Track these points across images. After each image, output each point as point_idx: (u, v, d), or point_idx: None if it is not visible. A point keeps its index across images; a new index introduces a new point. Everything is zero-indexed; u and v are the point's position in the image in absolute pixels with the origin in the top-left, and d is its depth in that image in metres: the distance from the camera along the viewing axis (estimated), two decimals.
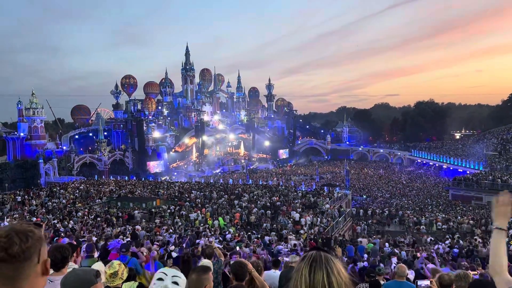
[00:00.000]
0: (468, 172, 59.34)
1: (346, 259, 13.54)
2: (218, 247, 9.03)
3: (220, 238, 17.94)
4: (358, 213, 40.13)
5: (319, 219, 25.32)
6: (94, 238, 16.49)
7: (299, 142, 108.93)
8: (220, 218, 24.68)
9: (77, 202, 31.61)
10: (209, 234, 19.20)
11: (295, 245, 15.89)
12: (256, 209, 27.87)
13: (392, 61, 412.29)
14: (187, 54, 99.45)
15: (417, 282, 5.14)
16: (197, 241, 15.35)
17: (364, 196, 51.04)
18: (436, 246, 19.08)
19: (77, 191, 37.99)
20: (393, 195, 51.47)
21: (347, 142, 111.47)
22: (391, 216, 37.27)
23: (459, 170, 65.38)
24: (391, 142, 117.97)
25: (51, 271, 3.41)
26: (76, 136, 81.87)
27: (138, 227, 20.80)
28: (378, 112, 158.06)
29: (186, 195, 34.64)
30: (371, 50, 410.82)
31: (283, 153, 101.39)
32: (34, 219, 23.39)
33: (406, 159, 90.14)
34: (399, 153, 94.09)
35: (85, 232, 19.31)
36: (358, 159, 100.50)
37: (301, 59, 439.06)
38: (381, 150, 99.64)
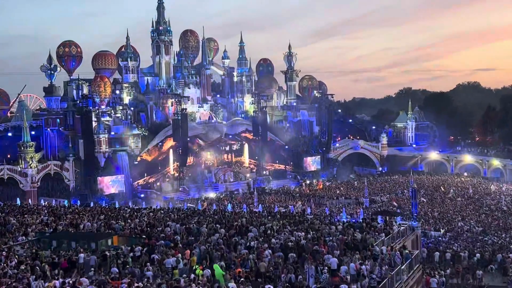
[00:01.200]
0: None
1: None
2: None
3: None
4: (432, 258, 39.68)
5: (368, 266, 25.21)
6: None
7: (337, 145, 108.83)
8: (215, 266, 24.69)
9: None
10: None
11: None
12: (269, 251, 27.81)
13: (486, 16, 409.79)
14: (160, 7, 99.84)
15: None
16: None
17: (442, 231, 50.67)
18: None
19: None
20: (488, 229, 51.08)
21: (414, 145, 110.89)
22: (484, 261, 36.86)
23: None
24: (483, 144, 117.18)
25: None
26: None
27: (83, 280, 20.85)
28: (463, 97, 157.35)
29: (160, 229, 34.69)
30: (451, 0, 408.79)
31: (312, 163, 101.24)
32: None
33: (508, 172, 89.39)
34: (496, 162, 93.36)
35: None
36: (432, 172, 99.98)
37: (340, 15, 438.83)
38: (469, 157, 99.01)
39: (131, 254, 28.26)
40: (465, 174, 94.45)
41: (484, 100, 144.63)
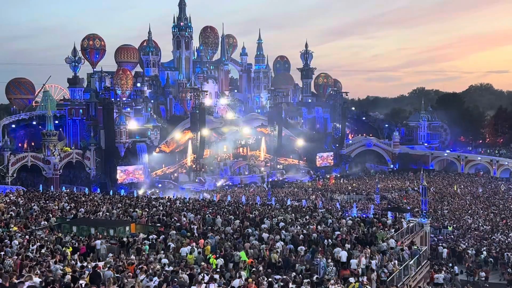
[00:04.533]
0: None
1: None
2: None
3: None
4: (439, 254, 39.59)
5: (376, 261, 25.15)
6: (38, 280, 16.75)
7: (350, 141, 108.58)
8: (242, 253, 24.93)
9: (12, 225, 32.20)
10: (207, 279, 19.36)
11: None
12: (281, 243, 27.86)
13: (501, 19, 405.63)
14: (181, 4, 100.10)
15: None
16: None
17: (450, 228, 50.46)
18: None
19: (12, 208, 38.65)
20: (496, 228, 50.79)
21: (426, 144, 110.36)
22: (491, 259, 36.66)
23: None
24: (494, 144, 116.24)
25: None
26: (13, 125, 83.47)
27: (101, 264, 21.02)
28: (475, 98, 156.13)
29: (176, 218, 34.89)
30: (466, 2, 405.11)
31: (325, 158, 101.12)
32: None
33: None
34: (506, 162, 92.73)
35: (24, 271, 19.64)
36: (442, 170, 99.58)
37: (356, 14, 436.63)
38: (479, 157, 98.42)
39: (148, 242, 28.48)
40: (481, 173, 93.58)
41: (495, 102, 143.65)
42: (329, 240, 29.11)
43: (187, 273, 20.69)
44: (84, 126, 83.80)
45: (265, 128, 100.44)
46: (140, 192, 67.25)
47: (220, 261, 24.11)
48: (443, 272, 31.80)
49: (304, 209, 42.73)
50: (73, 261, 22.93)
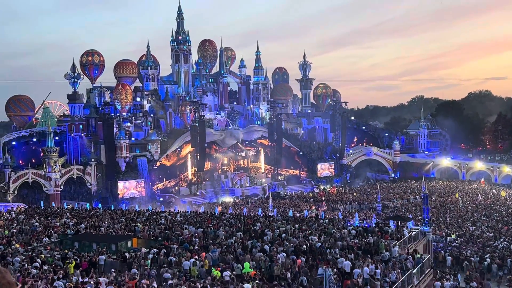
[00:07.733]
0: None
1: None
2: None
3: None
4: (443, 262, 39.49)
5: (380, 270, 25.10)
6: None
7: (351, 151, 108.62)
8: (246, 264, 24.94)
9: (14, 242, 32.17)
10: None
11: None
12: (283, 254, 27.82)
13: (498, 26, 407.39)
14: (179, 18, 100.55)
15: None
16: None
17: (453, 236, 50.32)
18: None
19: (14, 225, 38.64)
20: (499, 234, 50.66)
21: (426, 152, 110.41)
22: (495, 266, 36.54)
23: None
24: (494, 151, 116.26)
25: None
26: (13, 143, 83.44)
27: (102, 279, 21.01)
28: (475, 105, 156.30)
29: (178, 232, 34.86)
30: (463, 9, 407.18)
31: (326, 169, 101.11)
32: None
33: None
34: (507, 169, 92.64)
35: None
36: (444, 178, 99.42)
37: (353, 24, 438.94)
38: (480, 164, 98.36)
39: (150, 256, 28.45)
40: (482, 179, 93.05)
41: (495, 108, 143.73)
42: (332, 250, 29.11)
43: (192, 286, 20.69)
44: (84, 142, 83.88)
45: (265, 139, 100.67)
46: (142, 206, 67.21)
47: (227, 274, 24.05)
48: (445, 280, 31.71)
49: (306, 219, 42.76)
50: (75, 277, 22.92)
